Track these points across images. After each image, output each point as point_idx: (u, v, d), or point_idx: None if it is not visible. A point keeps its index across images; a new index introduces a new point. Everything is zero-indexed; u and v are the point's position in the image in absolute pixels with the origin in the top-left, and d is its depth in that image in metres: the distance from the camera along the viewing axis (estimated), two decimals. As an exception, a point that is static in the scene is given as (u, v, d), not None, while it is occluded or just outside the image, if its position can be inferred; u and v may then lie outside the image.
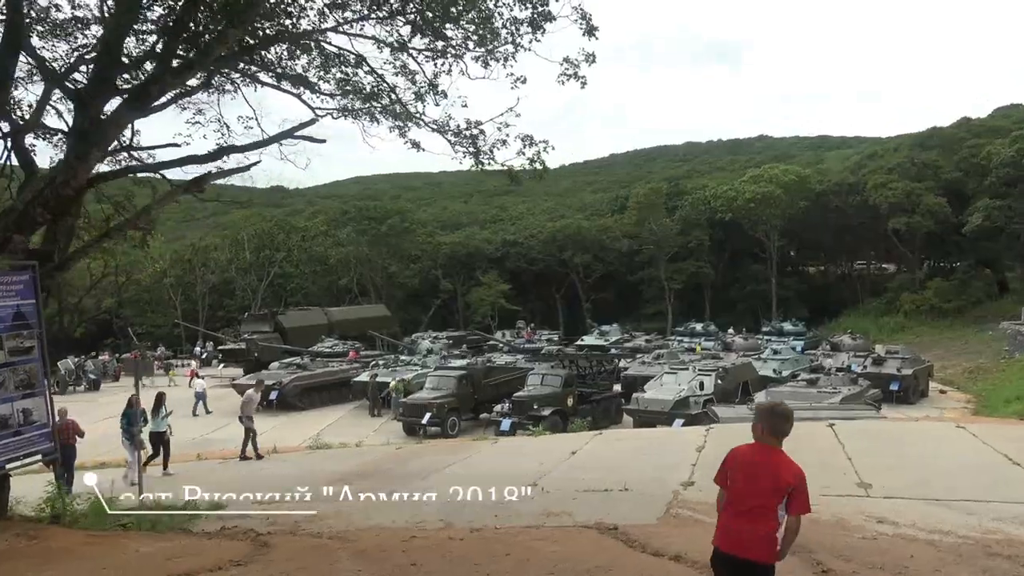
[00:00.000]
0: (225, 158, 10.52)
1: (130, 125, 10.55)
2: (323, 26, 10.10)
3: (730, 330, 52.71)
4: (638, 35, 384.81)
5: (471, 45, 10.83)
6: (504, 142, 11.19)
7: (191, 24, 9.04)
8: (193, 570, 6.01)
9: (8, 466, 7.95)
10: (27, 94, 10.84)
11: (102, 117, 8.92)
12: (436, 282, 71.82)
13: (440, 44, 11.08)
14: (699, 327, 53.34)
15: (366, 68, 11.44)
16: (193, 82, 10.11)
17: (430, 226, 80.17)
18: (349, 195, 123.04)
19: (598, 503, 8.74)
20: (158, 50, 9.52)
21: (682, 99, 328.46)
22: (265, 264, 69.66)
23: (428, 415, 26.19)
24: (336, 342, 45.44)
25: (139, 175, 11.27)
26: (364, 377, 32.99)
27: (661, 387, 26.81)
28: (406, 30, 10.82)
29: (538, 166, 11.34)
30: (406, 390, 29.42)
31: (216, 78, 10.52)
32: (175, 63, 9.17)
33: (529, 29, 10.39)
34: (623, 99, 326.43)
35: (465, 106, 11.70)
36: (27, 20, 9.21)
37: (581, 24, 10.17)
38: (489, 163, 11.58)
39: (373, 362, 36.91)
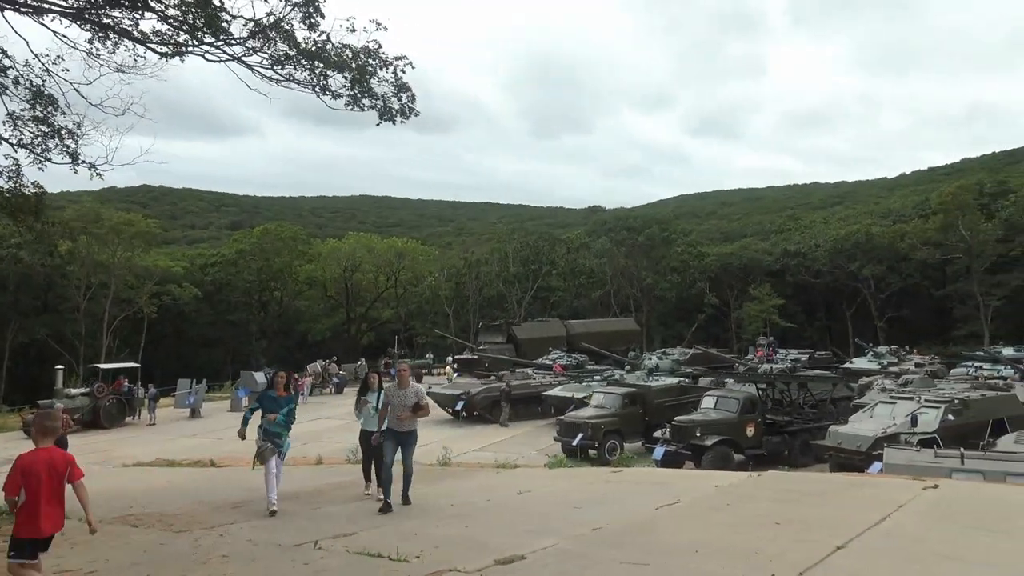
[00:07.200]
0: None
1: None
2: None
3: (1024, 352, 41.08)
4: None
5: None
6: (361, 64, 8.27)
7: None
8: None
9: None
10: None
11: None
12: (701, 296, 66.77)
13: None
14: (1010, 351, 42.51)
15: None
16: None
17: (694, 235, 75.07)
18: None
19: None
20: None
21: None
22: (530, 277, 70.12)
23: (580, 435, 23.08)
24: (562, 355, 43.44)
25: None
26: (557, 392, 30.72)
27: (870, 419, 20.75)
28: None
29: (404, 97, 8.30)
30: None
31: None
32: None
33: None
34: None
35: (353, 30, 8.95)
36: None
37: None
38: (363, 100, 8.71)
39: (573, 377, 34.28)
